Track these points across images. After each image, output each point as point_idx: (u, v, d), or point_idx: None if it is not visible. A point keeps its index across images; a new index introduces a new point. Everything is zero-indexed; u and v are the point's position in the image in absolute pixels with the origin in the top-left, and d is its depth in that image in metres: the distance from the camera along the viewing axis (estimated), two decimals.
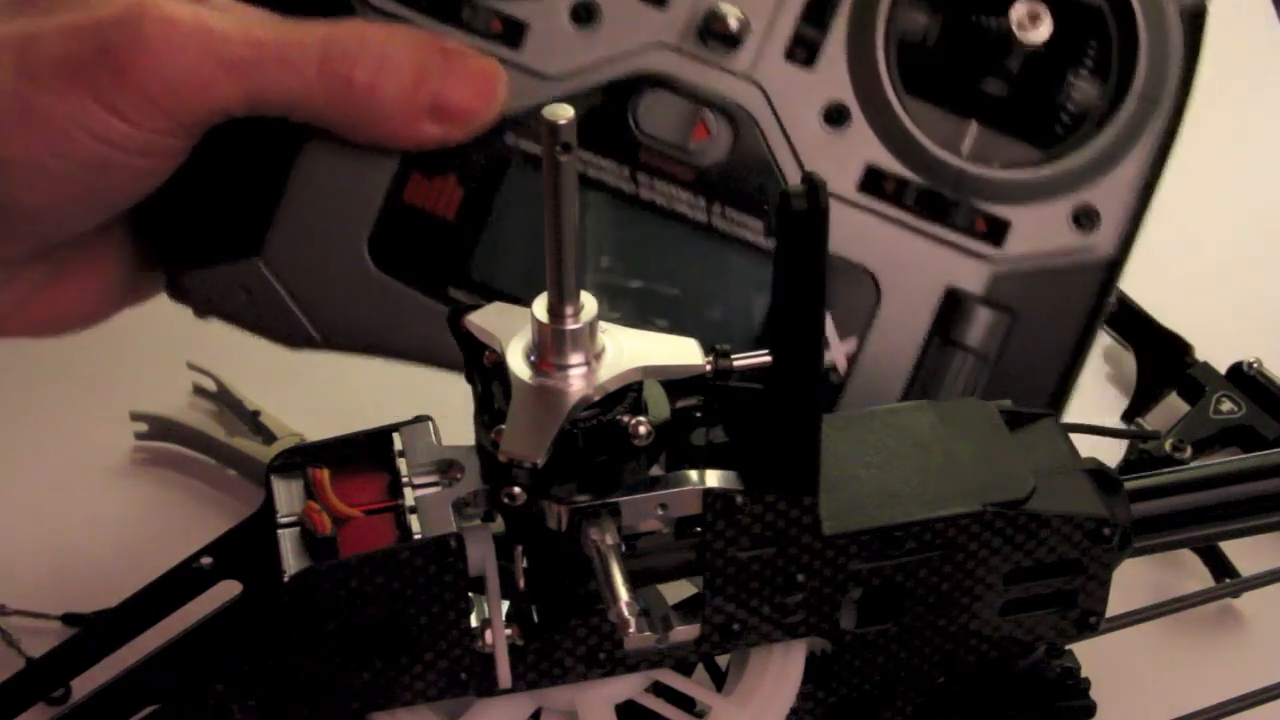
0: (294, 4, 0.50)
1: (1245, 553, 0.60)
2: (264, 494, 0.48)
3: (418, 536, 0.45)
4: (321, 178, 0.52)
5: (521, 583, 0.46)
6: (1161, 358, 0.69)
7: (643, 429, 0.43)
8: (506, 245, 0.53)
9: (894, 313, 0.53)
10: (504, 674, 0.46)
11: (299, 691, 0.46)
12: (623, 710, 0.48)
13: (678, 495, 0.44)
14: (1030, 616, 0.49)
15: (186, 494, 0.65)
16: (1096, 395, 0.70)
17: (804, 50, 0.52)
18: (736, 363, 0.44)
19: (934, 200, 0.52)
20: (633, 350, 0.44)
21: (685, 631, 0.47)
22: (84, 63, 0.47)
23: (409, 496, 0.46)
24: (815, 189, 0.40)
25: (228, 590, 0.48)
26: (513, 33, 0.52)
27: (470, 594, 0.45)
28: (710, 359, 0.45)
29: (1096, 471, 0.49)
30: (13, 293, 0.52)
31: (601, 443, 0.43)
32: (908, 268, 0.53)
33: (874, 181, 0.52)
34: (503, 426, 0.43)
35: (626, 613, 0.41)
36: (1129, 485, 0.50)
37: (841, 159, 0.52)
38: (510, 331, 0.44)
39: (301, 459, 0.48)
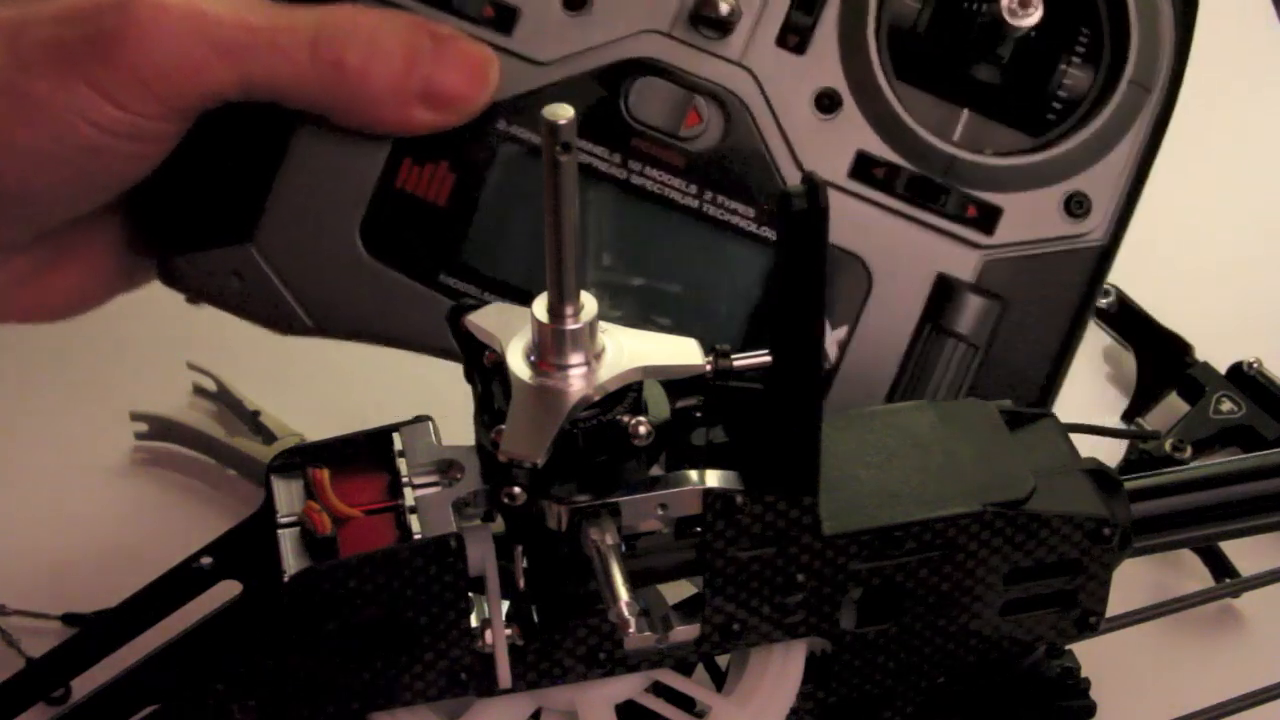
0: None
1: (1245, 553, 0.60)
2: (264, 494, 0.48)
3: (418, 536, 0.45)
4: (314, 163, 0.52)
5: (521, 583, 0.46)
6: (1161, 358, 0.69)
7: (643, 429, 0.43)
8: (498, 231, 0.53)
9: (885, 300, 0.53)
10: (504, 674, 0.46)
11: (299, 691, 0.46)
12: (623, 710, 0.48)
13: (678, 495, 0.44)
14: (1030, 616, 0.49)
15: (186, 494, 0.65)
16: (1096, 395, 0.70)
17: (795, 36, 0.52)
18: (736, 363, 0.44)
19: (925, 187, 0.52)
20: (633, 350, 0.44)
21: (685, 631, 0.47)
22: (76, 47, 0.48)
23: (409, 496, 0.46)
24: (815, 188, 0.40)
25: (228, 590, 0.48)
26: (504, 18, 0.52)
27: (470, 594, 0.45)
28: (710, 359, 0.45)
29: (1096, 471, 0.49)
30: (5, 278, 0.52)
31: (601, 443, 0.43)
32: (899, 255, 0.53)
33: (865, 168, 0.52)
34: (503, 426, 0.43)
35: (626, 613, 0.41)
36: (1129, 485, 0.50)
37: (833, 145, 0.52)
38: (510, 331, 0.44)
39: (301, 459, 0.48)
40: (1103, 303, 0.70)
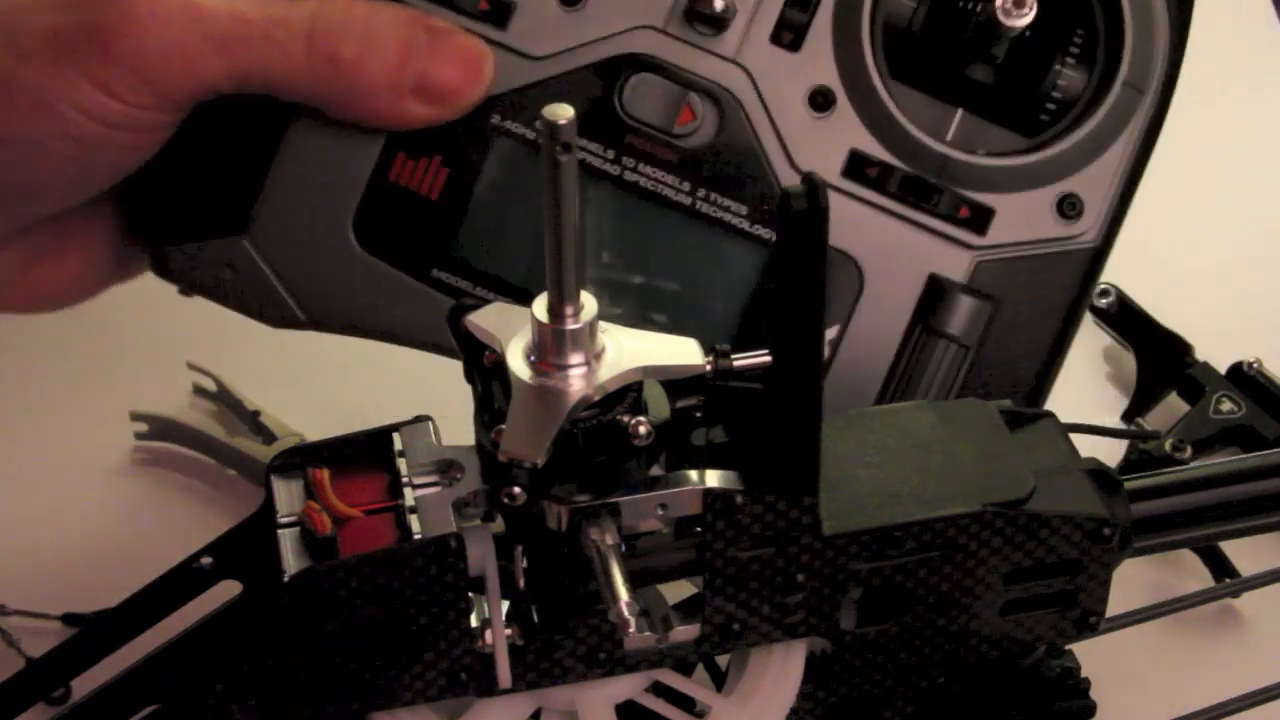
0: None
1: (1245, 553, 0.60)
2: (264, 494, 0.48)
3: (418, 536, 0.45)
4: (307, 156, 0.52)
5: (521, 583, 0.46)
6: (1161, 358, 0.69)
7: (643, 429, 0.43)
8: (491, 226, 0.53)
9: (877, 300, 0.53)
10: (504, 674, 0.46)
11: (299, 691, 0.46)
12: (623, 710, 0.48)
13: (678, 495, 0.44)
14: (1030, 616, 0.49)
15: (186, 494, 0.65)
16: (1096, 395, 0.70)
17: (790, 34, 0.52)
18: (736, 363, 0.44)
19: (918, 187, 0.52)
20: (633, 350, 0.44)
21: (685, 631, 0.47)
22: (72, 38, 0.48)
23: (409, 496, 0.46)
24: (815, 188, 0.40)
25: (228, 590, 0.48)
26: (500, 13, 0.52)
27: (470, 594, 0.45)
28: (710, 359, 0.45)
29: (1096, 471, 0.49)
30: None
31: (601, 443, 0.43)
32: (891, 254, 0.53)
33: (858, 167, 0.52)
34: (503, 426, 0.42)
35: (626, 613, 0.41)
36: (1129, 485, 0.50)
37: (826, 144, 0.52)
38: (510, 331, 0.44)
39: (301, 459, 0.48)
40: (1103, 303, 0.70)
